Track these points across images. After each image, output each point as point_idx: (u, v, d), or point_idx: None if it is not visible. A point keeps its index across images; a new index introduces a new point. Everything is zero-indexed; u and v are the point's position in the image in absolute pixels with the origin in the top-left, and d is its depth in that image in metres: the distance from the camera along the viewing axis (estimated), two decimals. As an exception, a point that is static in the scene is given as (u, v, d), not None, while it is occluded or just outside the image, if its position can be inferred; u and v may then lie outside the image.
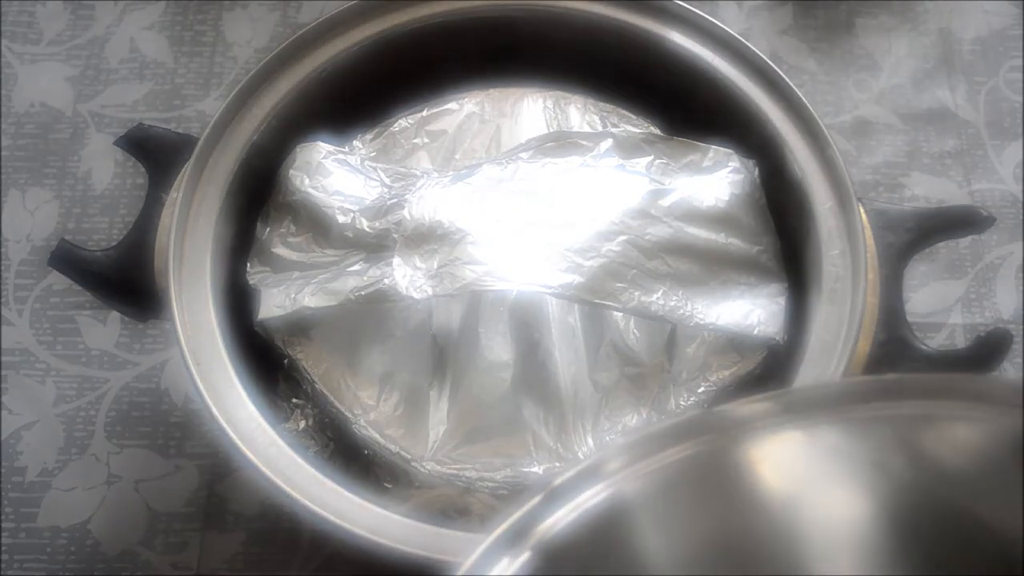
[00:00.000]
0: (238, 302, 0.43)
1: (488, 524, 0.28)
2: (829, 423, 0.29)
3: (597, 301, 0.41)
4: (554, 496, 0.28)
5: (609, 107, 0.47)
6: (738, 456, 0.29)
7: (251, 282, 0.44)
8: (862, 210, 0.43)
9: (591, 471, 0.29)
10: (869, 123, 0.62)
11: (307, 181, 0.44)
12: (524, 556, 0.27)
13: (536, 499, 0.28)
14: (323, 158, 0.45)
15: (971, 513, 0.29)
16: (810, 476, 0.30)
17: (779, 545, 0.29)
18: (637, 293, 0.41)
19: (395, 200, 0.43)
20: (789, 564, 0.29)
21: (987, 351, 0.43)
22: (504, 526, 0.28)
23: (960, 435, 0.29)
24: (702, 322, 0.42)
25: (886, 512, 0.29)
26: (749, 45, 0.45)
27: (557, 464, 0.42)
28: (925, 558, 0.29)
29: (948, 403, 0.28)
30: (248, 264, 0.44)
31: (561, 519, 0.28)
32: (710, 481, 0.29)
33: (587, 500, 0.28)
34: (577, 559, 0.28)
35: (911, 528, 0.29)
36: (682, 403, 0.42)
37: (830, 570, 0.29)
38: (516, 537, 0.27)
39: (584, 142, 0.44)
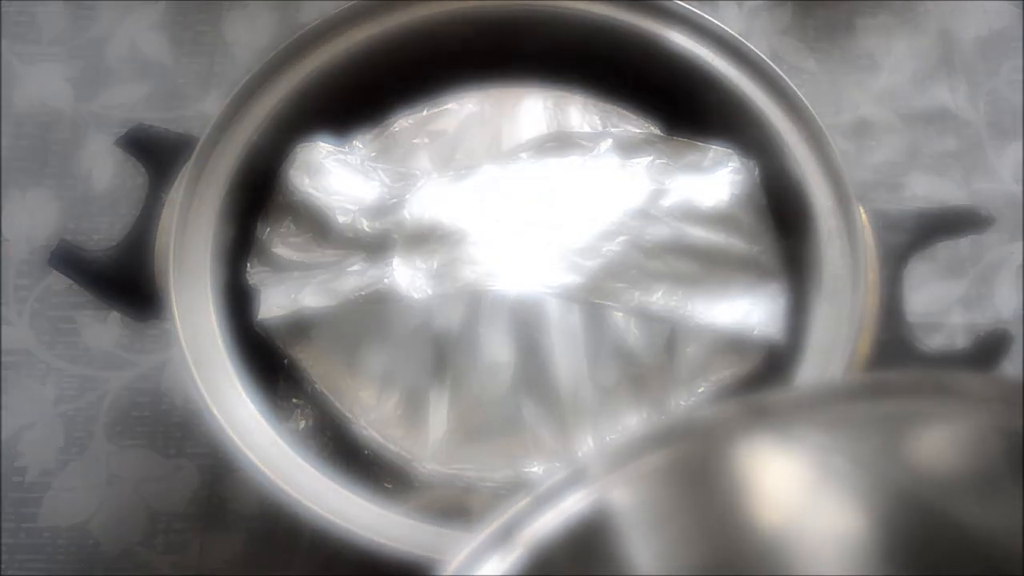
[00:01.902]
0: (238, 302, 0.43)
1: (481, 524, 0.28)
2: (812, 426, 0.29)
3: (597, 301, 0.41)
4: (541, 500, 0.28)
5: (609, 107, 0.47)
6: (721, 461, 0.29)
7: (251, 282, 0.44)
8: (862, 210, 0.43)
9: (575, 476, 0.29)
10: (869, 123, 0.62)
11: (307, 181, 0.44)
12: (511, 557, 0.27)
13: (523, 502, 0.28)
14: (323, 158, 0.45)
15: (956, 515, 0.29)
16: (793, 480, 0.30)
17: (763, 552, 0.29)
18: (637, 293, 0.41)
19: (395, 200, 0.43)
20: (774, 570, 0.29)
21: (987, 351, 0.43)
22: (491, 528, 0.28)
23: (942, 435, 0.29)
24: (702, 322, 0.42)
25: (873, 516, 0.29)
26: (749, 45, 0.45)
27: (557, 464, 0.42)
28: (914, 563, 0.29)
29: (929, 401, 0.28)
30: (248, 264, 0.44)
31: (548, 522, 0.28)
32: (692, 487, 0.29)
33: (572, 505, 0.28)
34: (564, 562, 0.28)
35: (900, 533, 0.29)
36: (682, 403, 0.42)
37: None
38: (503, 538, 0.27)
39: (584, 142, 0.44)
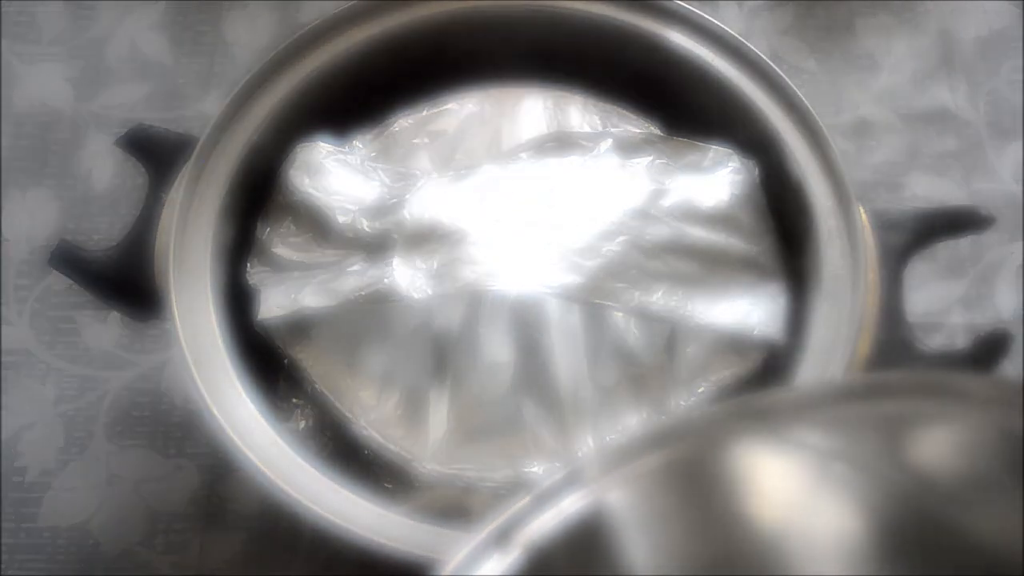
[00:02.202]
0: (238, 302, 0.43)
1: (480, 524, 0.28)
2: (811, 426, 0.29)
3: (597, 301, 0.41)
4: (540, 500, 0.28)
5: (609, 107, 0.47)
6: (720, 461, 0.29)
7: (251, 282, 0.44)
8: (862, 210, 0.43)
9: (574, 476, 0.29)
10: (869, 123, 0.62)
11: (307, 181, 0.44)
12: (509, 558, 0.27)
13: (522, 502, 0.28)
14: (323, 158, 0.45)
15: (955, 516, 0.28)
16: (792, 481, 0.30)
17: (761, 553, 0.29)
18: (637, 293, 0.41)
19: (395, 200, 0.43)
20: (772, 570, 0.29)
21: (987, 351, 0.43)
22: (490, 528, 0.28)
23: (942, 436, 0.29)
24: (702, 322, 0.42)
25: (872, 516, 0.29)
26: (749, 45, 0.45)
27: (557, 464, 0.42)
28: (913, 564, 0.29)
29: (929, 402, 0.28)
30: (248, 264, 0.44)
31: (546, 523, 0.28)
32: (690, 487, 0.29)
33: (570, 505, 0.28)
34: (562, 562, 0.28)
35: (899, 533, 0.29)
36: (682, 403, 0.42)
37: None
38: (502, 538, 0.27)
39: (584, 142, 0.44)
